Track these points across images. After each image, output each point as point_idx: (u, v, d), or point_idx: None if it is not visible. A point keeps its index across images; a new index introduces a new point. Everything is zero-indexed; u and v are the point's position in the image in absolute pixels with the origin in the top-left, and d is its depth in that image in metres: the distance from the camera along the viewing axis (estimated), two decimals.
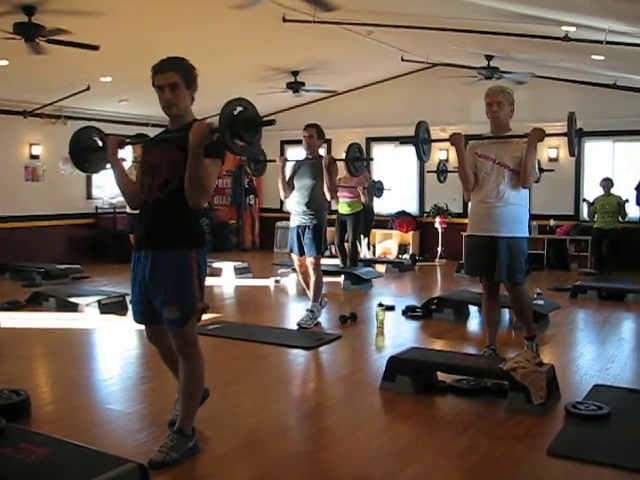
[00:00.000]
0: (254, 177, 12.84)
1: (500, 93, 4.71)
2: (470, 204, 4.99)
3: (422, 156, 4.86)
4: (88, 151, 3.61)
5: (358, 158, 6.70)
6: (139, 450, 3.32)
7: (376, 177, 11.13)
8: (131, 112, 11.71)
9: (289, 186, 6.45)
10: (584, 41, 6.56)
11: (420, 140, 4.78)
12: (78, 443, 2.99)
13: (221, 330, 6.01)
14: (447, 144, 12.58)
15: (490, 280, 4.90)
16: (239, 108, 3.04)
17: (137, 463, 2.75)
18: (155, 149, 3.30)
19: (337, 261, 10.10)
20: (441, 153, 11.93)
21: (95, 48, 6.92)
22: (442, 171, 7.23)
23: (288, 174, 6.52)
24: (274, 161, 6.50)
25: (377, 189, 10.44)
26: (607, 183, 10.12)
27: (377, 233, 12.33)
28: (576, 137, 4.61)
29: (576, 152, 4.67)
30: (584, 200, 10.48)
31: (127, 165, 7.94)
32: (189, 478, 3.16)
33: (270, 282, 9.21)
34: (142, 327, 3.49)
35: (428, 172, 9.41)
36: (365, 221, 11.03)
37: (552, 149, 10.97)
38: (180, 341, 3.25)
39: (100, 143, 3.56)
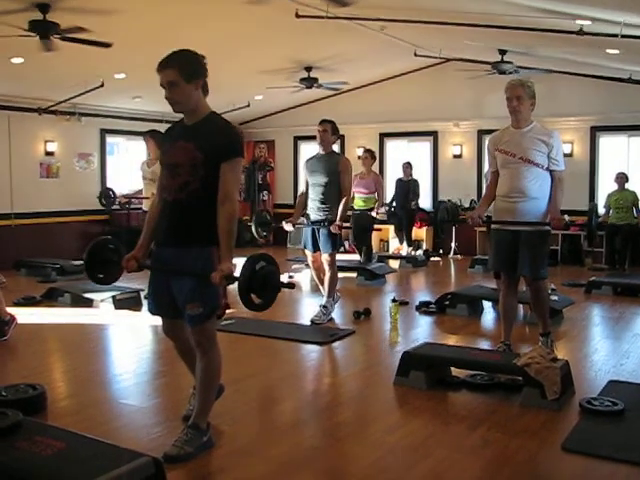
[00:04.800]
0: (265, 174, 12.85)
1: (520, 87, 4.68)
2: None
3: (440, 234, 5.08)
4: (104, 264, 3.52)
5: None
6: (154, 444, 3.34)
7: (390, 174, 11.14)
8: (145, 109, 11.74)
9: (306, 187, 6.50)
10: (599, 35, 6.51)
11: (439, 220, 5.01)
12: (93, 437, 3.01)
13: (235, 326, 6.02)
14: (460, 140, 12.50)
15: (511, 275, 4.88)
16: (262, 264, 3.00)
17: (152, 457, 2.76)
18: (174, 148, 3.26)
19: (351, 257, 10.10)
20: (454, 148, 11.97)
21: (108, 45, 6.95)
22: None
23: (303, 175, 6.56)
24: (281, 227, 6.55)
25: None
26: (622, 178, 10.05)
27: (390, 229, 12.29)
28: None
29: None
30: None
31: (140, 161, 7.99)
32: (203, 472, 3.17)
33: (284, 278, 9.21)
34: (157, 322, 3.50)
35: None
36: (408, 218, 11.07)
37: (566, 144, 10.88)
38: (199, 336, 3.26)
39: (115, 258, 3.46)
